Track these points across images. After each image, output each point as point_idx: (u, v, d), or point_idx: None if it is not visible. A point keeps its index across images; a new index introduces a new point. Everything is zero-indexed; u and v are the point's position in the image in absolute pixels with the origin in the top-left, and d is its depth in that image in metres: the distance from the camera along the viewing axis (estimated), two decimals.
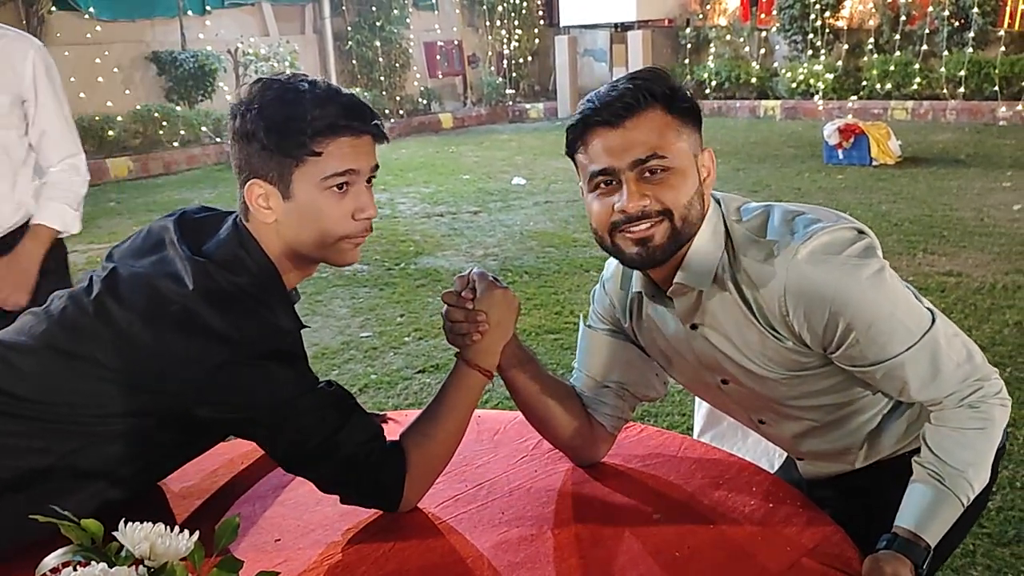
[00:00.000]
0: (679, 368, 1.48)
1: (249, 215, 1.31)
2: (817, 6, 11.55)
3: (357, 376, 3.78)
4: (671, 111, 1.30)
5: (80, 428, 1.22)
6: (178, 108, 10.14)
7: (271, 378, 1.22)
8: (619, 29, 12.89)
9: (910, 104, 10.90)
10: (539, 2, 14.30)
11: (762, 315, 1.29)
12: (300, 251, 1.32)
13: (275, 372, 1.22)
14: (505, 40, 13.83)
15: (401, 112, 12.51)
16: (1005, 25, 10.58)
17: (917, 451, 1.30)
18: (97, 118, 9.46)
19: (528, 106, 13.69)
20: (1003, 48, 10.48)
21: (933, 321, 1.26)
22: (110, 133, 9.50)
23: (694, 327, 1.36)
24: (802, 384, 1.36)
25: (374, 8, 12.29)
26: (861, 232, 1.28)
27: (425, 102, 12.96)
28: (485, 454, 1.57)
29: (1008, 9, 10.57)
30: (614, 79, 1.36)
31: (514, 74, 13.91)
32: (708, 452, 1.55)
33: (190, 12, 10.70)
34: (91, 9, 9.88)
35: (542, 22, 14.33)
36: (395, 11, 12.46)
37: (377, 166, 1.34)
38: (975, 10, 10.56)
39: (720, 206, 1.35)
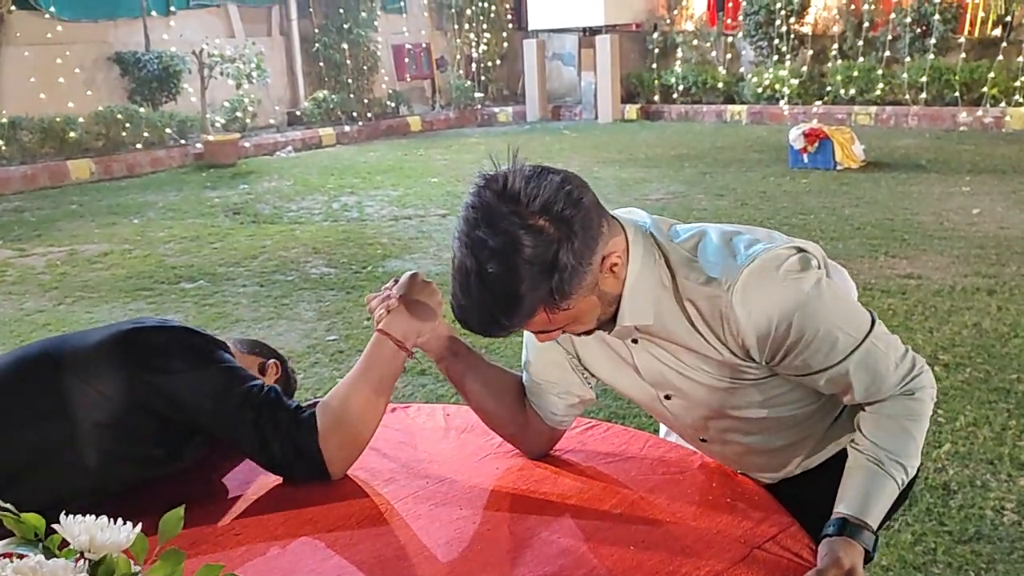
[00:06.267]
0: (620, 381, 1.46)
1: None
2: (782, 12, 11.69)
3: (323, 380, 3.75)
4: (549, 306, 1.18)
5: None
6: (142, 110, 10.01)
7: (196, 349, 1.44)
8: (587, 33, 12.95)
9: (873, 109, 11.06)
10: (508, 6, 14.33)
11: (708, 329, 1.29)
12: None
13: (201, 346, 1.45)
14: (474, 43, 13.84)
15: (369, 115, 12.46)
16: (965, 32, 10.79)
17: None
18: (58, 119, 9.32)
19: (497, 109, 13.70)
20: (963, 55, 10.67)
21: (873, 323, 1.29)
22: (71, 134, 9.36)
23: (635, 341, 1.37)
24: (746, 394, 1.36)
25: (342, 10, 12.23)
26: (799, 248, 1.28)
27: (393, 105, 12.92)
28: (450, 450, 1.57)
29: (968, 16, 10.78)
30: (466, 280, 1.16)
31: (483, 77, 13.91)
32: (671, 450, 1.56)
33: (154, 13, 10.58)
34: (52, 9, 9.73)
35: (511, 26, 14.35)
36: (363, 14, 12.41)
37: None
38: (936, 17, 10.75)
39: (649, 233, 1.30)
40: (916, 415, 1.30)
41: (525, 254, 1.12)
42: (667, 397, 1.42)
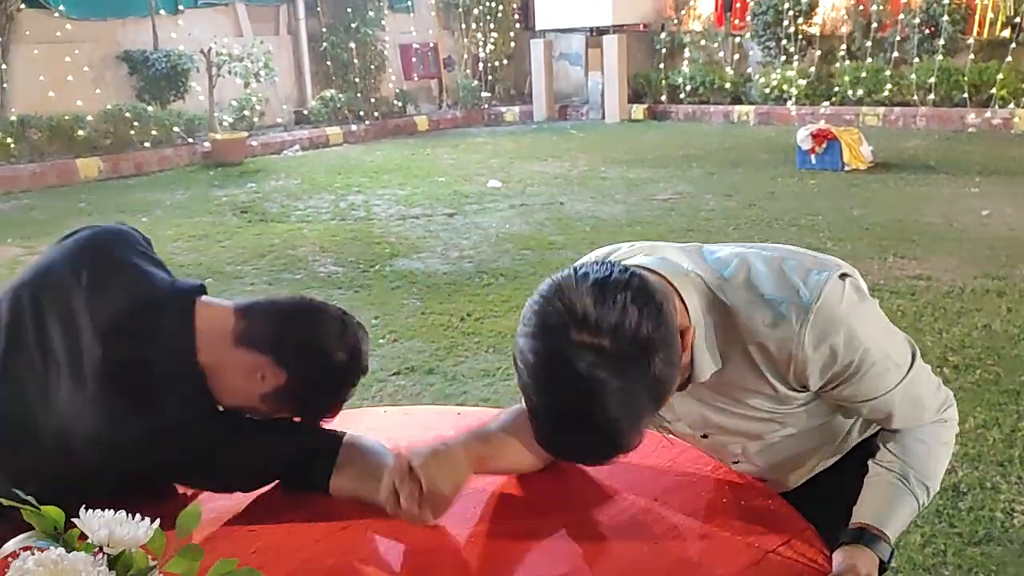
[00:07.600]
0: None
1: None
2: (790, 12, 11.66)
3: None
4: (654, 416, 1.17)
5: None
6: (150, 108, 10.04)
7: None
8: (594, 33, 12.94)
9: (881, 110, 11.03)
10: (515, 5, 14.32)
11: (771, 368, 1.24)
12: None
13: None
14: (481, 43, 13.83)
15: (376, 114, 12.46)
16: (974, 33, 10.75)
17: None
18: (67, 117, 9.34)
19: (504, 109, 13.69)
20: (972, 56, 10.63)
21: (913, 353, 1.29)
22: (80, 133, 9.38)
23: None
24: (787, 419, 1.35)
25: (349, 9, 12.23)
26: (843, 274, 1.24)
27: (400, 104, 12.92)
28: None
29: (977, 17, 10.74)
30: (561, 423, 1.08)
31: (490, 77, 13.90)
32: (683, 451, 1.55)
33: (162, 11, 10.60)
34: (61, 7, 9.75)
35: (518, 25, 14.34)
36: (370, 13, 12.41)
37: None
38: (945, 18, 10.71)
39: (695, 275, 1.23)
40: (945, 442, 1.32)
41: (633, 398, 1.05)
42: (704, 436, 1.40)
